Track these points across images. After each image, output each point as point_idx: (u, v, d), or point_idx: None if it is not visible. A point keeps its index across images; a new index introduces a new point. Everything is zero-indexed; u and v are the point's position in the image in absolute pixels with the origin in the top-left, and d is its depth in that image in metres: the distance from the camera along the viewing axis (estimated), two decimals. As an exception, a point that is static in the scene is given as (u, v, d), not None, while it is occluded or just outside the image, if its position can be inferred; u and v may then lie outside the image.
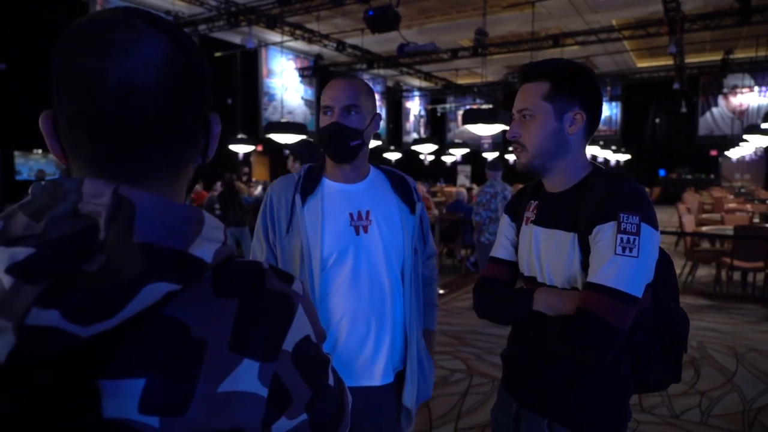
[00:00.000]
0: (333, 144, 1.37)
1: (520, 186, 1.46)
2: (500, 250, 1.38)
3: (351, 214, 1.41)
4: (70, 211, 0.48)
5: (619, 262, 1.05)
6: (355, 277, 1.38)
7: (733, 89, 16.01)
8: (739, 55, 13.69)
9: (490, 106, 15.57)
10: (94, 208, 0.47)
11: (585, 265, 1.12)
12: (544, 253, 1.21)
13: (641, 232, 1.06)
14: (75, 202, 0.48)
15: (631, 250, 1.05)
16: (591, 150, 14.58)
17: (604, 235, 1.08)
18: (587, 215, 1.12)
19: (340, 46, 12.49)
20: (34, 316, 0.42)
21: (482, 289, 1.35)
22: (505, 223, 1.40)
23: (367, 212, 1.42)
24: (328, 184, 1.44)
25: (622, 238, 1.05)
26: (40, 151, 10.07)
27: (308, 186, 1.43)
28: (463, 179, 19.65)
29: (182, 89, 0.52)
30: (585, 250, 1.12)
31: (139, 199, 0.48)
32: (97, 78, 0.48)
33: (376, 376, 1.41)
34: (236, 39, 12.31)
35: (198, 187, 9.25)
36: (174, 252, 0.48)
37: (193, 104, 0.53)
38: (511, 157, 16.43)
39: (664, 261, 1.17)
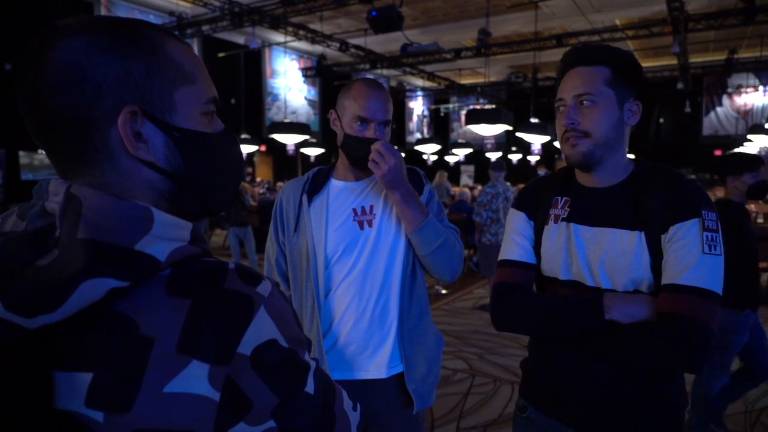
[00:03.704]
0: (367, 157, 1.36)
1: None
2: (517, 251, 1.22)
3: (354, 210, 1.44)
4: (40, 209, 0.51)
5: (708, 261, 0.99)
6: (359, 271, 1.41)
7: (738, 89, 15.91)
8: (744, 54, 13.63)
9: (493, 106, 15.55)
10: (54, 206, 0.50)
11: (653, 266, 1.05)
12: (595, 254, 1.10)
13: (719, 229, 1.01)
14: (44, 200, 0.52)
15: (715, 248, 1.00)
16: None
17: (687, 234, 1.01)
18: (658, 213, 1.05)
19: (344, 46, 12.49)
20: None
21: (512, 298, 1.17)
22: (519, 221, 1.25)
23: (371, 207, 1.45)
24: (334, 184, 1.50)
25: (707, 236, 1.00)
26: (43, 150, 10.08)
27: (315, 186, 1.48)
28: (466, 179, 19.61)
29: (72, 89, 0.50)
30: (654, 250, 1.05)
31: (87, 196, 0.49)
32: (20, 80, 0.52)
33: (383, 367, 1.43)
34: (240, 39, 12.34)
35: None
36: (118, 249, 0.47)
37: (85, 102, 0.51)
38: (514, 157, 16.39)
39: None
